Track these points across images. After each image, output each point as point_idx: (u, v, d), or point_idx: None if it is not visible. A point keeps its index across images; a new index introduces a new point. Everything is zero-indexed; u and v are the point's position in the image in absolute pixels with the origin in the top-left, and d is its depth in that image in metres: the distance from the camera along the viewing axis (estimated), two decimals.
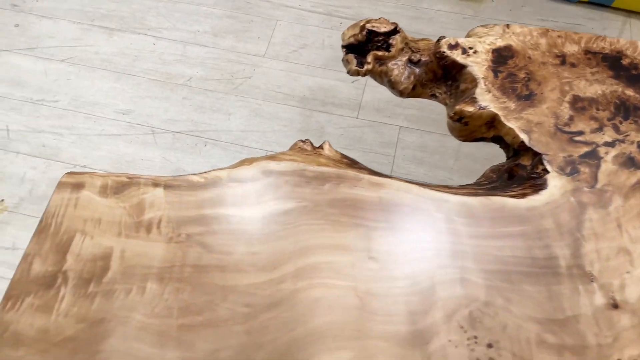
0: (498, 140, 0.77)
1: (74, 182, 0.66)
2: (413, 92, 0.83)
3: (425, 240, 0.62)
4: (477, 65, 0.78)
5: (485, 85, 0.76)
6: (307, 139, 0.77)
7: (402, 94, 0.83)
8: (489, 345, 0.55)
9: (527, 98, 0.75)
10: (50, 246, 0.61)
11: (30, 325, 0.56)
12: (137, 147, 1.36)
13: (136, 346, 0.55)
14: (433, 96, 0.83)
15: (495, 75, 0.77)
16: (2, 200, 1.27)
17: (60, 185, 0.65)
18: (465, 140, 0.79)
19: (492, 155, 1.32)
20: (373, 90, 1.47)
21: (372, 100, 1.46)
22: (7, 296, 0.57)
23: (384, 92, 1.47)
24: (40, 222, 0.63)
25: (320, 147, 0.76)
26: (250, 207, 0.65)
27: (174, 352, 0.54)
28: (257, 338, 0.56)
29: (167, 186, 0.66)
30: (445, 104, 0.82)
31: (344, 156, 0.75)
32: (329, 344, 0.55)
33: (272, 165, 0.68)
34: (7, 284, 1.14)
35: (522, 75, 0.77)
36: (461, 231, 0.63)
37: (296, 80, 1.50)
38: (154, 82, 1.49)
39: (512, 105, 0.74)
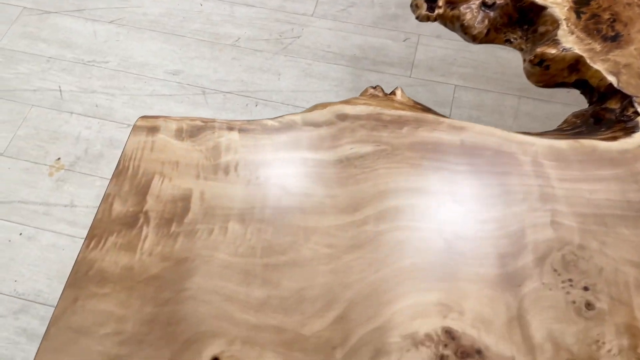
0: (580, 85, 0.73)
1: (149, 126, 0.65)
2: (486, 37, 0.79)
3: (512, 184, 0.60)
4: (558, 7, 0.74)
5: (568, 26, 0.72)
6: (377, 85, 0.75)
7: (475, 39, 0.79)
8: (585, 289, 0.52)
9: (614, 39, 0.70)
10: (129, 188, 0.61)
11: (114, 264, 0.56)
12: (188, 107, 1.36)
13: (221, 284, 0.54)
14: (507, 42, 0.79)
15: (578, 17, 0.73)
16: (59, 159, 1.29)
17: (136, 129, 0.65)
18: (545, 86, 0.76)
19: (552, 113, 1.27)
20: (426, 49, 1.43)
21: (425, 59, 1.42)
22: (90, 235, 0.57)
23: (437, 50, 1.42)
24: (118, 165, 0.62)
25: (392, 93, 0.73)
26: (327, 150, 0.63)
27: (260, 290, 0.54)
28: (342, 278, 0.55)
29: (241, 130, 0.65)
30: (521, 49, 0.79)
31: (417, 103, 0.73)
32: (416, 285, 0.54)
33: (347, 109, 0.66)
34: (68, 240, 1.17)
35: (606, 16, 0.73)
36: (550, 174, 0.60)
37: (345, 40, 1.47)
38: (203, 42, 1.47)
39: (597, 47, 0.70)
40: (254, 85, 1.40)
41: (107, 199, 0.60)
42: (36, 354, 0.51)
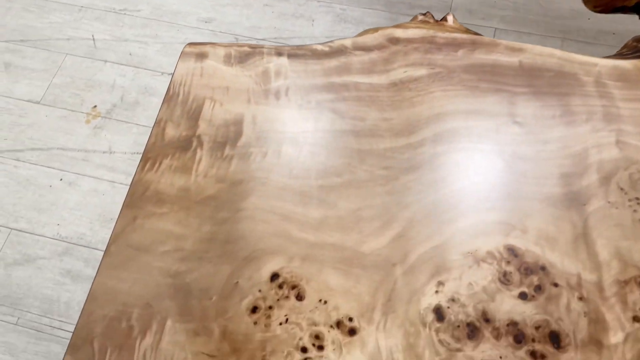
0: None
1: (197, 52, 0.64)
2: None
3: (575, 104, 0.57)
4: None
5: None
6: (427, 12, 0.72)
7: None
8: None
9: None
10: (181, 112, 0.60)
11: (170, 185, 0.56)
12: None
13: (278, 204, 0.54)
14: None
15: None
16: (95, 106, 1.29)
17: (184, 55, 0.64)
18: (602, 11, 0.72)
19: (597, 54, 1.22)
20: None
21: (464, 2, 1.37)
22: (145, 158, 0.57)
23: None
24: (168, 91, 0.62)
25: (443, 19, 0.71)
26: (379, 74, 0.61)
27: (317, 210, 0.53)
28: (400, 198, 0.54)
29: (290, 55, 0.64)
30: None
31: (468, 29, 0.70)
32: (477, 204, 0.53)
33: (399, 32, 0.64)
34: (108, 186, 1.18)
35: None
36: (615, 94, 0.58)
37: None
38: None
39: None
40: (287, 32, 1.38)
41: (159, 124, 0.59)
42: (97, 270, 0.51)
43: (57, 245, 1.12)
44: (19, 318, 1.05)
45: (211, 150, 0.57)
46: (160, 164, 0.57)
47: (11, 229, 1.14)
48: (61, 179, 1.19)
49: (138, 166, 0.57)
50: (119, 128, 1.26)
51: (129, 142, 1.24)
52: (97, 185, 1.18)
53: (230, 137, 0.58)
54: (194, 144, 0.58)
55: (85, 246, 1.12)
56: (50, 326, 1.04)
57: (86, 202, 1.16)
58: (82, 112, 1.29)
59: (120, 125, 1.26)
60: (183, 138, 0.58)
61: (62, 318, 1.04)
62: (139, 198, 0.55)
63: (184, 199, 0.55)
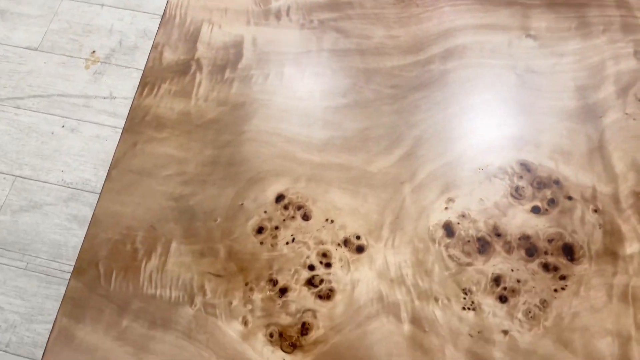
0: None
1: None
2: None
3: (592, 15, 0.54)
4: None
5: None
6: None
7: None
8: None
9: None
10: (178, 36, 0.58)
11: (170, 109, 0.54)
12: None
13: (282, 126, 0.52)
14: None
15: None
16: (94, 52, 1.26)
17: None
18: None
19: None
20: None
21: None
22: (143, 83, 0.55)
23: None
24: (164, 14, 0.59)
25: None
26: None
27: (322, 131, 0.52)
28: (408, 117, 0.52)
29: None
30: None
31: None
32: (488, 120, 0.51)
33: None
34: (111, 131, 1.16)
35: None
36: (632, 4, 0.55)
37: None
38: None
39: None
40: None
41: (156, 48, 0.57)
42: (100, 194, 0.50)
43: (62, 192, 1.11)
44: (28, 263, 1.05)
45: (211, 74, 0.55)
46: (159, 88, 0.55)
47: (16, 176, 1.13)
48: (63, 126, 1.18)
49: (136, 91, 0.55)
50: (119, 73, 1.23)
51: (129, 87, 1.21)
52: (99, 131, 1.17)
53: (230, 59, 0.56)
54: (193, 67, 0.56)
55: (90, 192, 1.11)
56: (60, 270, 1.04)
57: (89, 148, 1.15)
58: (81, 58, 1.26)
59: (120, 70, 1.23)
60: (181, 62, 0.56)
61: (70, 262, 1.05)
62: (138, 123, 0.53)
63: (184, 123, 0.53)
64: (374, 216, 0.48)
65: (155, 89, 0.55)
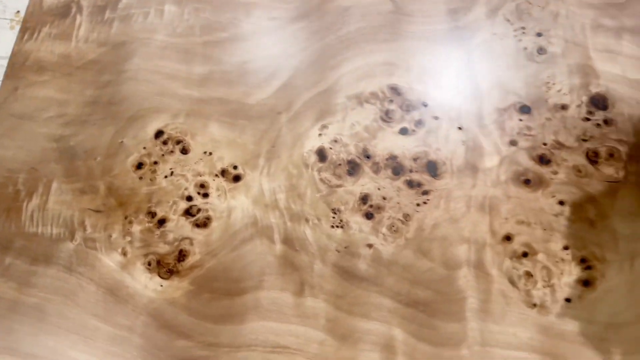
0: None
1: None
2: None
3: None
4: None
5: None
6: None
7: None
8: (538, 34, 0.50)
9: None
10: None
11: (50, 53, 0.54)
12: None
13: (161, 63, 0.52)
14: None
15: None
16: (18, 12, 1.22)
17: None
18: None
19: None
20: None
21: None
22: (23, 28, 0.55)
23: None
24: None
25: None
26: None
27: (202, 66, 0.52)
28: (286, 48, 0.52)
29: None
30: None
31: None
32: (363, 47, 0.52)
33: None
34: None
35: None
36: None
37: None
38: None
39: None
40: None
41: None
42: None
43: None
44: None
45: (91, 15, 0.55)
46: (39, 32, 0.55)
47: None
48: None
49: (17, 37, 0.54)
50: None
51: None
52: None
53: (110, 0, 0.56)
54: (73, 9, 0.55)
55: None
56: None
57: None
58: (6, 19, 1.23)
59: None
60: (62, 5, 0.56)
61: None
62: (19, 68, 0.53)
63: (65, 66, 0.53)
64: (251, 146, 0.49)
65: (36, 34, 0.54)
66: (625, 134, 0.46)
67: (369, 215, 0.46)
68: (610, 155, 0.45)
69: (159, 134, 0.50)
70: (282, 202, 0.47)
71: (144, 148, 0.49)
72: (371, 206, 0.46)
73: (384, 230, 0.45)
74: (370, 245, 0.45)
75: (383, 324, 0.43)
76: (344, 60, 0.51)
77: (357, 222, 0.46)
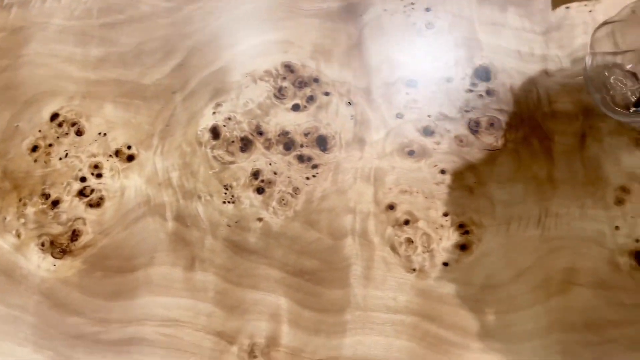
0: None
1: None
2: None
3: None
4: None
5: None
6: None
7: None
8: (427, 9, 0.51)
9: None
10: None
11: None
12: None
13: (58, 47, 0.53)
14: None
15: None
16: None
17: None
18: None
19: None
20: None
21: None
22: None
23: None
24: None
25: None
26: None
27: (98, 48, 0.52)
28: (182, 28, 0.53)
29: None
30: None
31: None
32: (258, 26, 0.52)
33: None
34: None
35: None
36: None
37: None
38: None
39: None
40: None
41: None
42: None
43: None
44: None
45: None
46: None
47: None
48: None
49: None
50: None
51: None
52: None
53: None
54: None
55: None
56: None
57: None
58: None
59: None
60: None
61: None
62: None
63: None
64: (146, 126, 0.50)
65: None
66: (505, 104, 0.47)
67: (260, 190, 0.47)
68: (491, 124, 0.47)
69: (54, 116, 0.50)
70: (175, 180, 0.48)
71: (39, 131, 0.50)
72: (262, 181, 0.47)
73: (274, 204, 0.46)
74: (260, 219, 0.46)
75: (270, 293, 0.44)
76: (240, 39, 0.52)
77: (248, 197, 0.47)
